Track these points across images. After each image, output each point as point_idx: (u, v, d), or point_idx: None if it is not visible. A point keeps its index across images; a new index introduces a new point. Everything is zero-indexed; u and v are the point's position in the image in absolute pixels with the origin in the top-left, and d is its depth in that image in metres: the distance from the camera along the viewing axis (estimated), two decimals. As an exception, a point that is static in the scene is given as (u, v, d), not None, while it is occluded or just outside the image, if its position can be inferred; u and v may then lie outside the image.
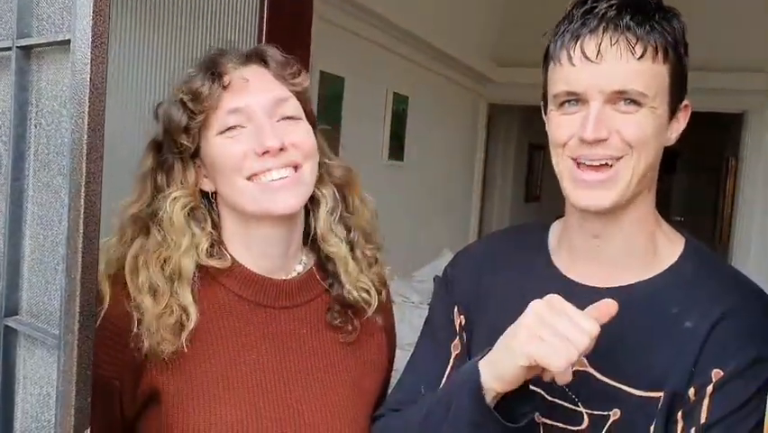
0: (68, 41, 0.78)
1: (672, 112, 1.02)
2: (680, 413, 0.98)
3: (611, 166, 0.99)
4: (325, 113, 3.30)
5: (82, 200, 0.76)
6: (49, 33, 0.85)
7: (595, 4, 0.98)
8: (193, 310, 1.03)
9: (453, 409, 0.99)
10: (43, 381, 0.87)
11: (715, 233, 7.77)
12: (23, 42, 0.86)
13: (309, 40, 1.98)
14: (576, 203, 1.02)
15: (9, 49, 0.88)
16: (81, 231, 0.75)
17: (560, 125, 1.02)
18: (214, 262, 1.08)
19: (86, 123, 0.74)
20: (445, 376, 1.13)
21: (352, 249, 1.18)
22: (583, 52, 0.97)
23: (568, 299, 1.05)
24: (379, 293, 1.19)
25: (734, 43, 5.14)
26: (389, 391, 1.22)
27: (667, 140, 1.03)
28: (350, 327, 1.16)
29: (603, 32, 0.96)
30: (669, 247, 1.07)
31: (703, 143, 8.72)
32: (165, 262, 1.05)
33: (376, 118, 4.06)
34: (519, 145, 7.47)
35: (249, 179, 1.07)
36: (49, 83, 0.86)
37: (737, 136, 5.99)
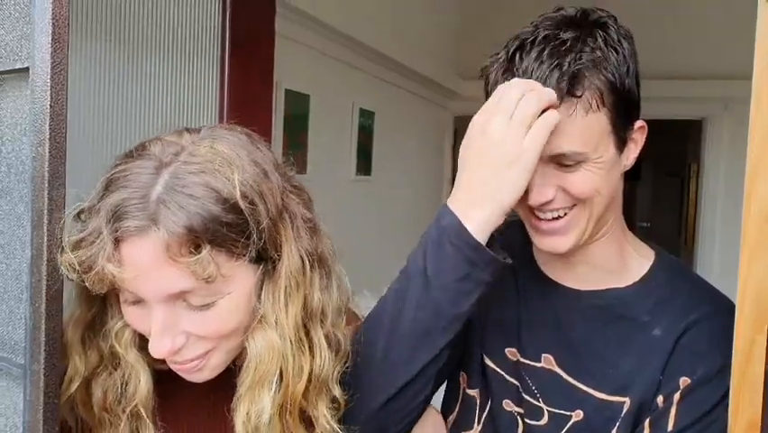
0: (27, 69, 0.78)
1: (622, 144, 1.00)
2: (647, 421, 0.99)
3: (564, 215, 0.99)
4: (291, 131, 3.31)
5: (45, 228, 0.75)
6: (7, 61, 0.85)
7: (523, 57, 0.95)
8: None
9: (434, 265, 0.95)
10: (9, 411, 0.86)
11: (680, 236, 7.89)
12: (-19, 71, 0.85)
13: (273, 59, 1.98)
14: (538, 246, 1.04)
15: (-33, 77, 0.88)
16: (45, 259, 0.75)
17: None
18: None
19: (47, 150, 0.74)
20: None
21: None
22: None
23: (549, 296, 1.09)
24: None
25: (693, 52, 5.26)
26: None
27: (624, 167, 1.03)
28: None
29: None
30: (639, 261, 1.09)
31: (666, 150, 8.89)
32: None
33: (342, 134, 4.07)
34: (486, 157, 7.53)
35: None
36: (8, 111, 0.85)
37: (698, 142, 6.11)
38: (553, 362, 1.05)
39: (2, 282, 0.87)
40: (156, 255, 0.82)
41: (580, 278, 1.08)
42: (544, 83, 0.93)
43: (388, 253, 4.68)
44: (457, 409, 1.15)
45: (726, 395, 0.78)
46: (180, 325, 0.87)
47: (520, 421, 1.07)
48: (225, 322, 0.89)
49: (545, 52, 0.94)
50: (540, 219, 1.00)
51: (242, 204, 0.85)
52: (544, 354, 1.06)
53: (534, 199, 0.97)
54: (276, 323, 0.91)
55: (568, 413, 1.03)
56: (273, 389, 0.90)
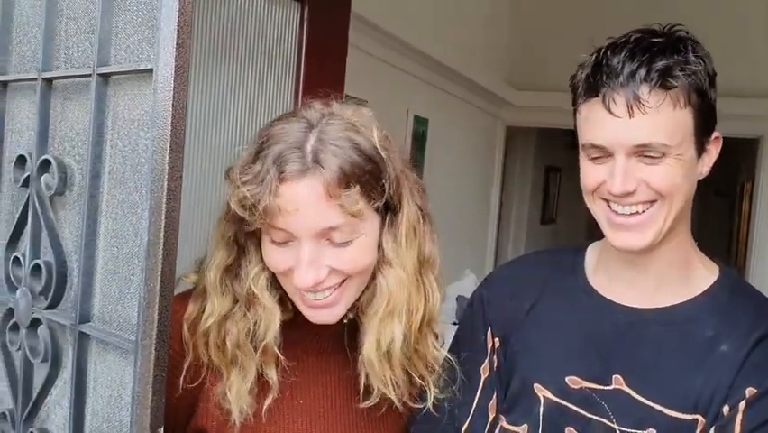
0: (150, 70, 0.85)
1: (701, 149, 1.05)
2: (712, 430, 1.01)
3: (643, 212, 1.02)
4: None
5: (163, 215, 0.82)
6: (126, 62, 0.92)
7: (612, 56, 1.00)
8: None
9: None
10: (114, 383, 0.93)
11: (730, 257, 7.77)
12: (104, 70, 0.93)
13: (344, 68, 2.05)
14: (613, 243, 1.06)
15: (88, 75, 0.95)
16: (161, 244, 0.81)
17: (589, 173, 1.05)
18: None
19: (168, 145, 0.81)
20: (475, 400, 1.16)
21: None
22: (606, 108, 0.99)
23: (609, 318, 1.10)
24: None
25: (749, 69, 5.19)
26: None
27: (699, 175, 1.06)
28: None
29: (622, 88, 0.99)
30: (704, 274, 1.11)
31: (717, 168, 8.74)
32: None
33: (397, 140, 4.14)
34: (536, 167, 7.52)
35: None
36: (126, 108, 0.93)
37: (753, 160, 6.02)
38: (622, 382, 1.06)
39: (113, 265, 0.94)
40: (316, 191, 1.00)
41: (644, 295, 1.09)
42: (633, 77, 0.97)
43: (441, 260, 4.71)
44: None
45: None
46: (323, 259, 1.03)
47: None
48: (361, 258, 1.05)
49: (637, 50, 1.00)
50: (617, 214, 1.02)
51: (382, 154, 1.04)
52: (614, 376, 1.07)
53: (618, 188, 0.99)
54: (401, 263, 1.07)
55: (640, 432, 1.04)
56: (403, 320, 1.07)
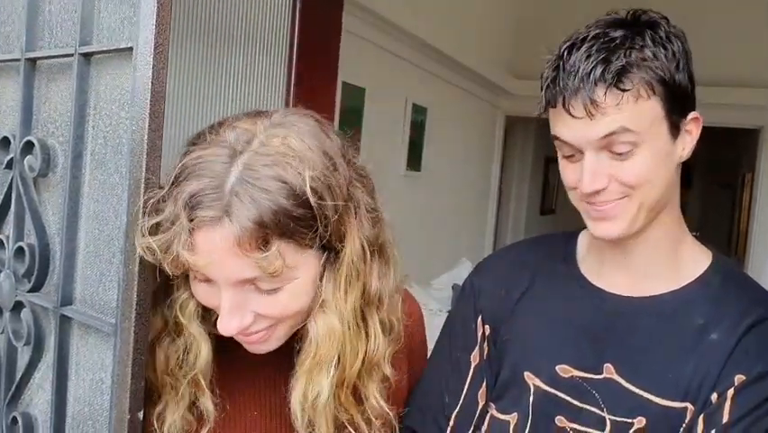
0: (130, 49, 0.84)
1: (676, 131, 1.02)
2: (701, 417, 1.00)
3: (616, 201, 1.01)
4: (346, 123, 3.36)
5: (141, 196, 0.81)
6: (108, 42, 0.91)
7: (568, 59, 0.98)
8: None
9: None
10: (96, 366, 0.92)
11: (731, 247, 7.76)
12: (86, 49, 0.92)
13: (338, 56, 2.04)
14: (594, 233, 1.06)
15: (70, 56, 0.94)
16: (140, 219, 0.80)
17: (565, 173, 1.05)
18: None
19: (146, 124, 0.80)
20: (465, 387, 1.15)
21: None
22: (567, 110, 0.98)
23: (600, 307, 1.09)
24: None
25: (750, 59, 5.17)
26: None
27: (679, 158, 1.04)
28: None
29: (579, 91, 0.96)
30: (695, 261, 1.10)
31: (718, 158, 8.75)
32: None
33: (395, 129, 4.12)
34: (536, 158, 7.51)
35: None
36: (107, 87, 0.92)
37: (753, 151, 6.01)
38: (613, 370, 1.05)
39: (94, 247, 0.93)
40: (227, 246, 0.85)
41: (634, 282, 1.08)
42: (589, 76, 0.96)
43: (437, 248, 4.72)
44: None
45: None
46: (249, 305, 0.91)
47: None
48: (291, 305, 0.93)
49: (594, 48, 0.97)
50: (593, 205, 1.02)
51: (313, 199, 0.87)
52: (605, 365, 1.06)
53: (587, 187, 0.99)
54: (336, 309, 0.94)
55: (630, 420, 1.03)
56: (331, 372, 0.95)
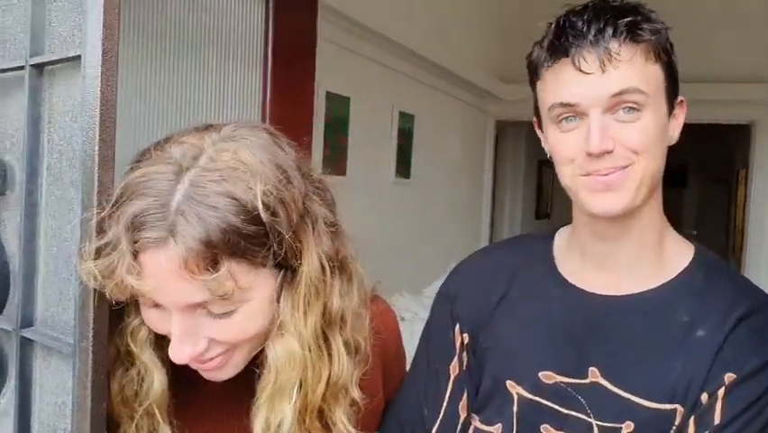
0: (79, 57, 0.81)
1: (671, 108, 1.02)
2: (691, 419, 0.97)
3: (621, 169, 0.98)
4: (332, 133, 3.34)
5: (95, 209, 0.78)
6: (60, 51, 0.88)
7: (576, 19, 0.98)
8: None
9: None
10: (59, 389, 0.89)
11: (728, 245, 7.74)
12: (36, 60, 0.89)
13: (314, 62, 2.01)
14: (589, 208, 1.00)
15: (22, 68, 0.91)
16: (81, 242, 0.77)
17: (562, 143, 1.00)
18: None
19: (97, 134, 0.77)
20: (445, 399, 1.11)
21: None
22: (577, 68, 0.96)
23: (581, 308, 1.06)
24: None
25: (738, 54, 5.16)
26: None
27: (670, 138, 1.03)
28: None
29: (592, 46, 0.96)
30: (678, 255, 1.07)
31: (713, 156, 8.74)
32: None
33: (382, 137, 4.10)
34: (528, 162, 7.49)
35: None
36: (60, 98, 0.88)
37: (746, 147, 5.99)
38: (598, 374, 1.02)
39: (53, 265, 0.90)
40: (173, 269, 0.80)
41: (616, 280, 1.05)
42: (601, 33, 0.96)
43: (427, 255, 4.68)
44: None
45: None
46: (201, 331, 0.86)
47: None
48: (246, 328, 0.88)
49: (600, 11, 0.98)
50: (594, 175, 0.98)
51: (264, 215, 0.82)
52: (590, 369, 1.03)
53: (597, 145, 0.95)
54: (295, 331, 0.89)
55: (618, 425, 1.00)
56: (293, 398, 0.90)
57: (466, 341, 1.12)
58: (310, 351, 0.90)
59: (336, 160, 3.32)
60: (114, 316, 0.87)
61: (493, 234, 6.59)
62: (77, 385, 0.80)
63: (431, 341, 1.16)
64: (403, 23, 3.85)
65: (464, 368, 1.11)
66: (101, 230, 0.80)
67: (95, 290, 0.79)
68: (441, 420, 1.11)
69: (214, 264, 0.80)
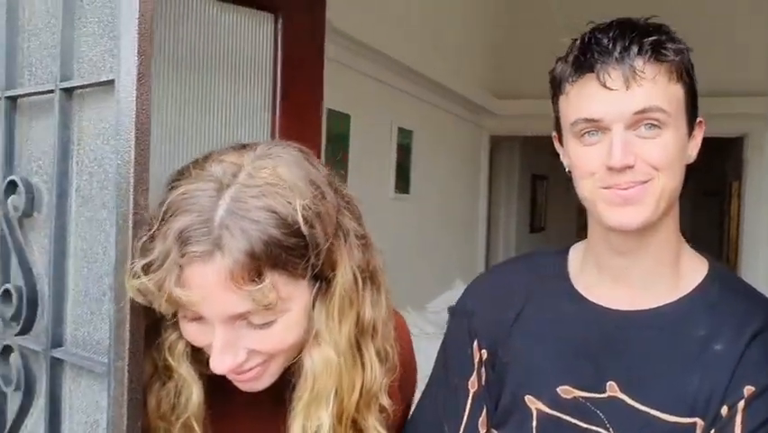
0: (113, 81, 0.82)
1: (691, 129, 1.04)
2: (712, 431, 0.98)
3: (642, 183, 0.99)
4: (332, 150, 3.36)
5: (129, 231, 0.79)
6: (90, 75, 0.90)
7: (601, 36, 0.99)
8: None
9: None
10: (91, 408, 0.90)
11: (722, 256, 7.78)
12: (67, 84, 0.90)
13: (322, 81, 2.03)
14: (607, 222, 1.01)
15: (52, 92, 0.92)
16: (129, 260, 0.78)
17: (584, 157, 1.01)
18: None
19: (132, 157, 0.78)
20: (465, 415, 1.12)
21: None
22: (601, 84, 0.97)
23: (597, 323, 1.06)
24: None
25: (730, 68, 5.22)
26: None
27: (688, 157, 1.05)
28: None
29: (617, 63, 0.97)
30: (693, 269, 1.08)
31: (706, 168, 8.78)
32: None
33: (382, 153, 4.12)
34: (522, 176, 7.53)
35: None
36: (91, 122, 0.90)
37: (739, 159, 6.04)
38: (617, 388, 1.02)
39: (83, 286, 0.91)
40: (219, 280, 0.83)
41: (632, 296, 1.06)
42: (627, 51, 0.97)
43: (430, 270, 4.69)
44: None
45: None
46: (241, 342, 0.89)
47: None
48: (285, 338, 0.91)
49: (625, 29, 0.99)
50: (614, 188, 0.99)
51: (304, 228, 0.86)
52: (608, 383, 1.03)
53: (619, 160, 0.96)
54: (331, 340, 0.92)
55: None
56: (330, 405, 0.93)
57: (485, 357, 1.12)
58: (345, 359, 0.93)
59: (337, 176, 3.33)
60: (149, 333, 0.89)
61: (489, 249, 6.61)
62: (113, 404, 0.81)
63: (449, 357, 1.17)
64: (401, 40, 3.89)
65: (483, 384, 1.12)
66: (145, 248, 0.83)
67: (130, 309, 0.80)
68: None
69: (258, 275, 0.84)
